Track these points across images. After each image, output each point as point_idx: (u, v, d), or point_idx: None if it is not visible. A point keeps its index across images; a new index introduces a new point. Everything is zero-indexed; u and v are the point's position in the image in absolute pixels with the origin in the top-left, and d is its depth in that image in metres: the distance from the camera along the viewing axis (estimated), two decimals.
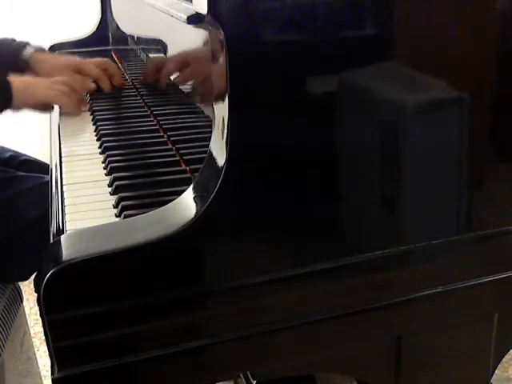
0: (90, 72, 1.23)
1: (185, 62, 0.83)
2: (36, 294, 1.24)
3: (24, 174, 1.14)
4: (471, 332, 0.77)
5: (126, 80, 1.30)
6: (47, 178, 1.10)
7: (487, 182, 0.72)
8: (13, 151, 1.29)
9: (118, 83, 1.25)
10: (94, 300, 0.59)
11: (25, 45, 1.25)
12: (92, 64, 1.24)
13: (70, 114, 1.13)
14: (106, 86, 1.23)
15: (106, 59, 1.29)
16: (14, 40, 1.27)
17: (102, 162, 0.91)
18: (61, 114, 1.16)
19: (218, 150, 0.61)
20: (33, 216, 1.05)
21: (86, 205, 0.77)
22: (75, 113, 1.13)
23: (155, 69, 1.04)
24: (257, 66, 0.59)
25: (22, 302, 1.20)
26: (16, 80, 1.06)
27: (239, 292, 0.63)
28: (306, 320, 0.66)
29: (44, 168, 1.25)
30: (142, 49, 1.14)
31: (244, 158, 0.61)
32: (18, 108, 1.07)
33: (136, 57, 1.22)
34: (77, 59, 1.30)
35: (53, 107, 1.17)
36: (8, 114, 1.07)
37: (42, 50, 1.27)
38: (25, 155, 1.30)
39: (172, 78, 0.93)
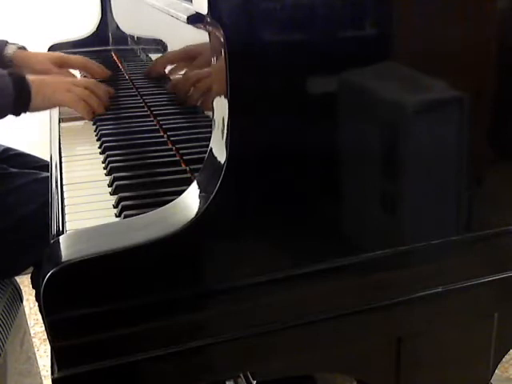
0: (75, 63, 1.24)
1: (184, 62, 0.83)
2: (34, 290, 1.24)
3: (17, 170, 1.14)
4: (471, 332, 0.77)
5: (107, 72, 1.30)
6: (41, 174, 1.11)
7: (487, 182, 0.72)
8: (5, 146, 1.29)
9: (102, 77, 1.25)
10: (94, 300, 0.59)
11: (5, 43, 1.25)
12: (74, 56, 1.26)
13: (85, 117, 1.11)
14: (96, 74, 1.25)
15: (82, 56, 1.31)
16: None
17: (102, 162, 0.91)
18: (61, 113, 1.17)
19: (218, 149, 0.61)
20: (22, 214, 1.05)
21: (86, 205, 0.77)
22: (88, 118, 1.10)
23: (157, 69, 1.04)
24: (257, 65, 0.59)
25: (21, 301, 1.20)
26: (35, 80, 1.04)
27: (239, 292, 0.63)
28: (305, 320, 0.66)
29: (38, 162, 1.25)
30: (142, 49, 1.14)
31: (244, 157, 0.61)
32: (34, 110, 1.06)
33: (136, 57, 1.22)
34: (58, 54, 1.31)
35: None
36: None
37: (23, 48, 1.28)
38: (18, 150, 1.30)
39: (172, 77, 0.93)
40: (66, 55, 1.30)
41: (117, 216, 0.73)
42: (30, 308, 1.80)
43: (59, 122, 1.13)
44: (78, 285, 0.58)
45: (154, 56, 1.05)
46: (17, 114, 1.03)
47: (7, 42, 1.26)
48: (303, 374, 0.99)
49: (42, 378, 1.36)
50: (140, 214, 0.65)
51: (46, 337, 1.64)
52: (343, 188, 0.65)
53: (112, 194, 0.80)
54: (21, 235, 1.06)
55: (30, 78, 1.04)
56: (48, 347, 0.64)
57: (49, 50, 1.54)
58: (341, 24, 0.61)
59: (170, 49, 0.90)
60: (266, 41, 0.59)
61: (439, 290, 0.71)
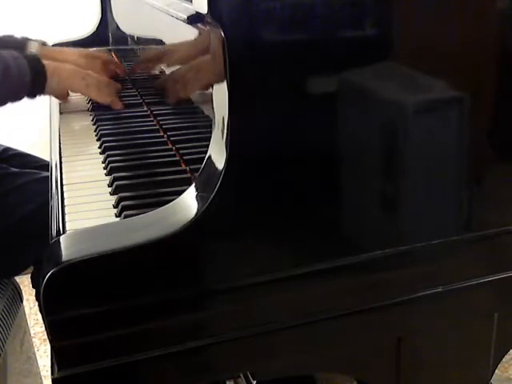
0: (103, 57, 1.24)
1: (184, 62, 0.83)
2: (34, 289, 1.24)
3: (17, 170, 1.14)
4: (471, 332, 0.77)
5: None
6: (41, 174, 1.11)
7: (487, 182, 0.72)
8: (5, 146, 1.29)
9: (122, 72, 1.27)
10: (94, 300, 0.59)
11: (26, 40, 1.24)
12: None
13: (104, 102, 1.13)
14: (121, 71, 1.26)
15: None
16: (11, 36, 1.26)
17: (102, 162, 0.91)
18: (61, 113, 1.17)
19: (218, 149, 0.61)
20: (22, 214, 1.05)
21: (86, 205, 0.77)
22: (108, 101, 1.12)
23: (152, 64, 1.04)
24: (257, 65, 0.59)
25: (22, 301, 1.20)
26: (49, 63, 1.04)
27: (239, 292, 0.63)
28: (305, 320, 0.66)
29: (38, 162, 1.25)
30: (142, 49, 1.14)
31: (244, 157, 0.61)
32: (48, 92, 1.06)
33: (136, 57, 1.22)
34: (84, 50, 1.30)
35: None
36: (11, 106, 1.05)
37: (44, 43, 1.27)
38: (18, 150, 1.30)
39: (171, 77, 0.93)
40: (92, 52, 1.30)
41: (117, 216, 0.73)
42: (30, 308, 1.80)
43: (59, 121, 1.13)
44: (78, 285, 0.58)
45: (149, 50, 1.05)
46: (32, 96, 1.03)
47: (27, 38, 1.24)
48: (303, 374, 0.99)
49: (42, 378, 1.36)
50: (140, 213, 0.65)
51: (46, 337, 1.64)
52: (343, 188, 0.65)
53: (112, 194, 0.80)
54: (21, 235, 1.06)
55: (45, 62, 1.04)
56: (48, 347, 0.63)
57: None
58: (341, 24, 0.61)
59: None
60: (266, 40, 0.59)
61: (439, 289, 0.71)
